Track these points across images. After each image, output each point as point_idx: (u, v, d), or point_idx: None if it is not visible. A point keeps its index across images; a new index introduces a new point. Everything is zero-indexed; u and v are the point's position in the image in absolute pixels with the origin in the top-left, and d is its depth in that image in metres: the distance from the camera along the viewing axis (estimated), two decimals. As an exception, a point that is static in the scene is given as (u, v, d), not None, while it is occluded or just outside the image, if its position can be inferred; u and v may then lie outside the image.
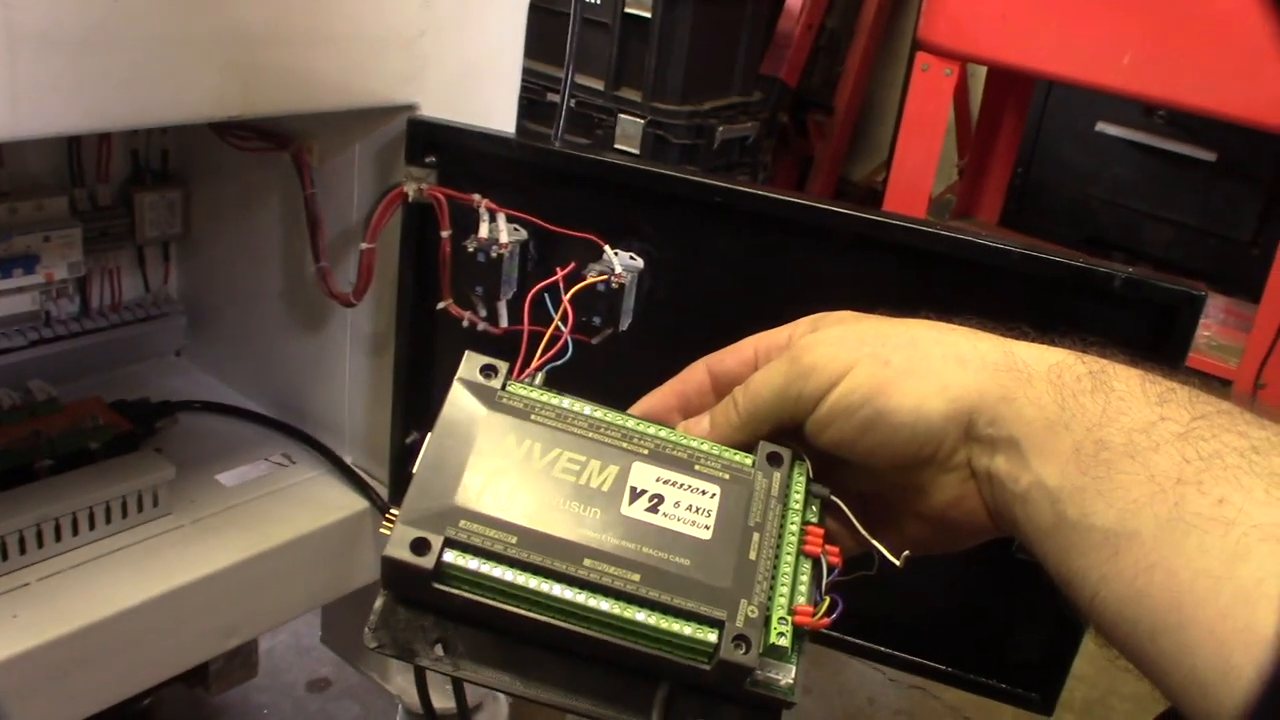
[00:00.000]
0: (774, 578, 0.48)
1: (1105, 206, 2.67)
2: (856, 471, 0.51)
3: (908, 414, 0.47)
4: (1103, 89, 2.11)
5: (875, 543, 0.51)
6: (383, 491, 0.93)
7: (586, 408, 0.51)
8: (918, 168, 2.29)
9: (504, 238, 0.76)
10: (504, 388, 0.51)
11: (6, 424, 0.88)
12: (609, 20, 2.48)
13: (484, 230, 0.76)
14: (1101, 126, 2.58)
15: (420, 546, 0.44)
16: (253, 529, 0.89)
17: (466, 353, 0.51)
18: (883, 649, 0.79)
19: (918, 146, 2.29)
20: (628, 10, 2.46)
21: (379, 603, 0.47)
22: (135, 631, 0.79)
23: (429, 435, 0.48)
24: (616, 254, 0.73)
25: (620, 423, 0.51)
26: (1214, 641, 0.37)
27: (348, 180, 0.90)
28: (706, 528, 0.48)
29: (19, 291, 0.96)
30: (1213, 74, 1.90)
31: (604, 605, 0.45)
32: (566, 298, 0.71)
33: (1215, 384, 0.46)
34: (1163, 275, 0.65)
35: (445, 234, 0.78)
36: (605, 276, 0.73)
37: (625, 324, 0.75)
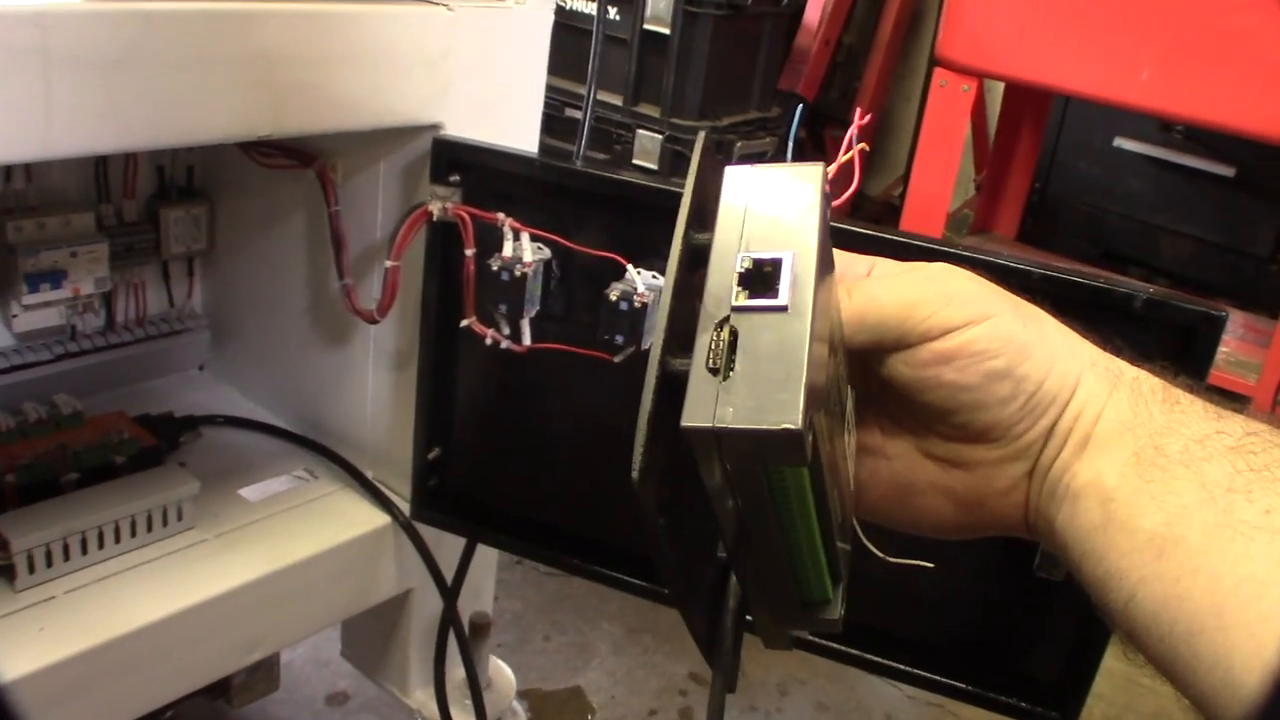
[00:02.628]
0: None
1: (1122, 221, 2.67)
2: (903, 434, 0.50)
3: (1034, 382, 0.46)
4: (1120, 105, 2.11)
5: (863, 538, 0.51)
6: (404, 507, 0.94)
7: None
8: (935, 183, 2.29)
9: (528, 256, 0.76)
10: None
11: (33, 438, 0.89)
12: (628, 36, 2.49)
13: (508, 249, 0.77)
14: (1119, 142, 2.58)
15: (810, 428, 0.35)
16: (275, 544, 0.89)
17: (819, 166, 0.42)
18: (901, 666, 0.79)
19: (935, 162, 2.30)
20: (646, 27, 2.47)
21: (651, 435, 0.36)
22: (160, 645, 0.80)
23: (790, 255, 0.38)
24: (639, 273, 0.74)
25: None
26: (1254, 644, 0.38)
27: (372, 198, 0.90)
28: (851, 478, 0.45)
29: (46, 306, 0.97)
30: (1230, 90, 1.90)
31: (816, 542, 0.41)
32: (862, 146, 0.61)
33: (1247, 408, 0.47)
34: (1183, 295, 0.65)
35: (469, 252, 0.78)
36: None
37: (648, 343, 0.75)
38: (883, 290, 0.47)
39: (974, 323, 0.46)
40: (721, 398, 0.36)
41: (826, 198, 0.41)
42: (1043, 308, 0.49)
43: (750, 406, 0.35)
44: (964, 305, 0.46)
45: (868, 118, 0.60)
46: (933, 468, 0.50)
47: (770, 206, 0.41)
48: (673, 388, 0.37)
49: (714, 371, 0.36)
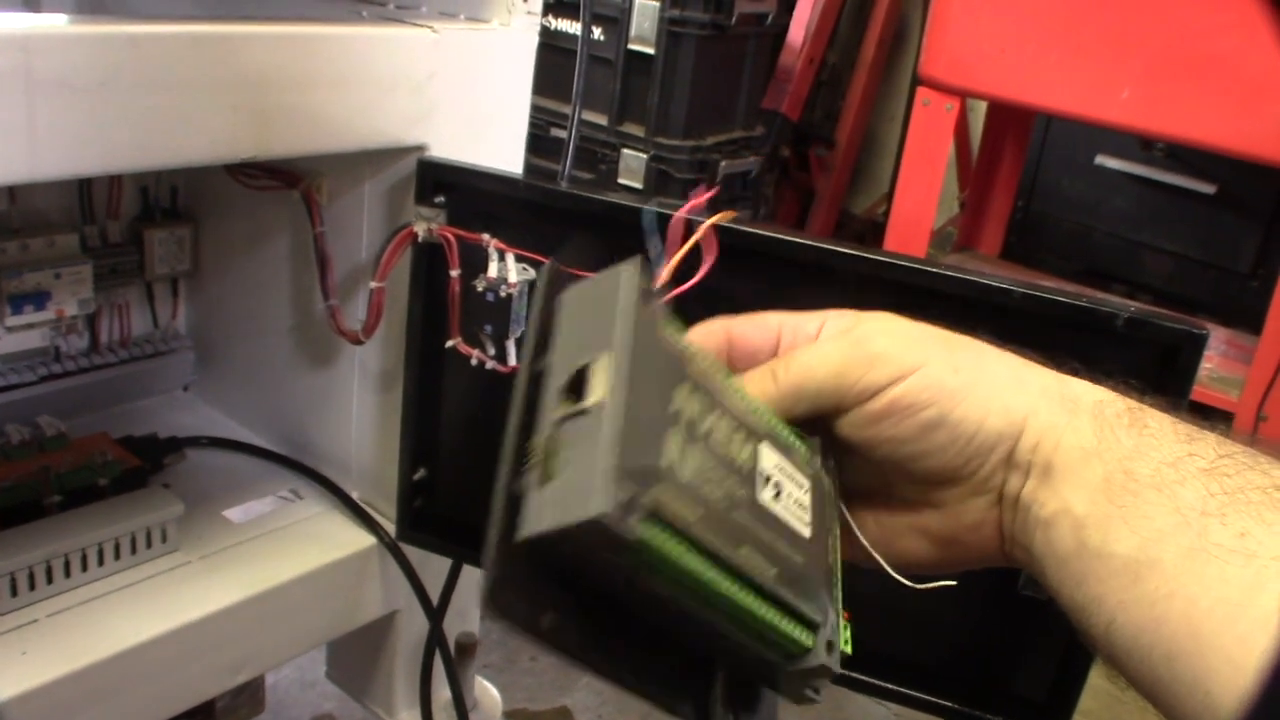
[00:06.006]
0: (839, 583, 0.47)
1: (1105, 239, 2.68)
2: (871, 480, 0.51)
3: (971, 426, 0.47)
4: (1102, 123, 2.12)
5: (881, 561, 0.51)
6: (390, 528, 0.94)
7: (714, 362, 0.46)
8: (919, 201, 2.30)
9: (513, 277, 0.76)
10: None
11: (15, 459, 0.89)
12: (612, 56, 2.50)
13: (493, 270, 0.77)
14: (1101, 160, 2.59)
15: (629, 510, 0.36)
16: (260, 565, 0.89)
17: (633, 263, 0.43)
18: (887, 684, 0.79)
19: (919, 180, 2.31)
20: (631, 47, 2.48)
21: (498, 556, 0.39)
22: (143, 668, 0.80)
23: (608, 356, 0.40)
24: (624, 293, 0.74)
25: (739, 389, 0.46)
26: (1231, 668, 0.38)
27: (357, 219, 0.90)
28: (806, 525, 0.46)
29: (29, 328, 0.97)
30: (1211, 108, 1.91)
31: (747, 600, 0.41)
32: (710, 222, 0.63)
33: (1224, 426, 0.47)
34: (1165, 313, 0.66)
35: (455, 273, 0.79)
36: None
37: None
38: (814, 359, 0.49)
39: (901, 378, 0.47)
40: (544, 505, 0.38)
41: (645, 290, 0.43)
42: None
43: (563, 506, 0.36)
44: (889, 363, 0.47)
45: (715, 190, 0.60)
46: (906, 511, 0.51)
47: (589, 315, 0.43)
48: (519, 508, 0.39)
49: (539, 483, 0.38)
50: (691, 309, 0.76)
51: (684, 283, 0.56)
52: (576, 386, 0.40)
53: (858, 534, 0.52)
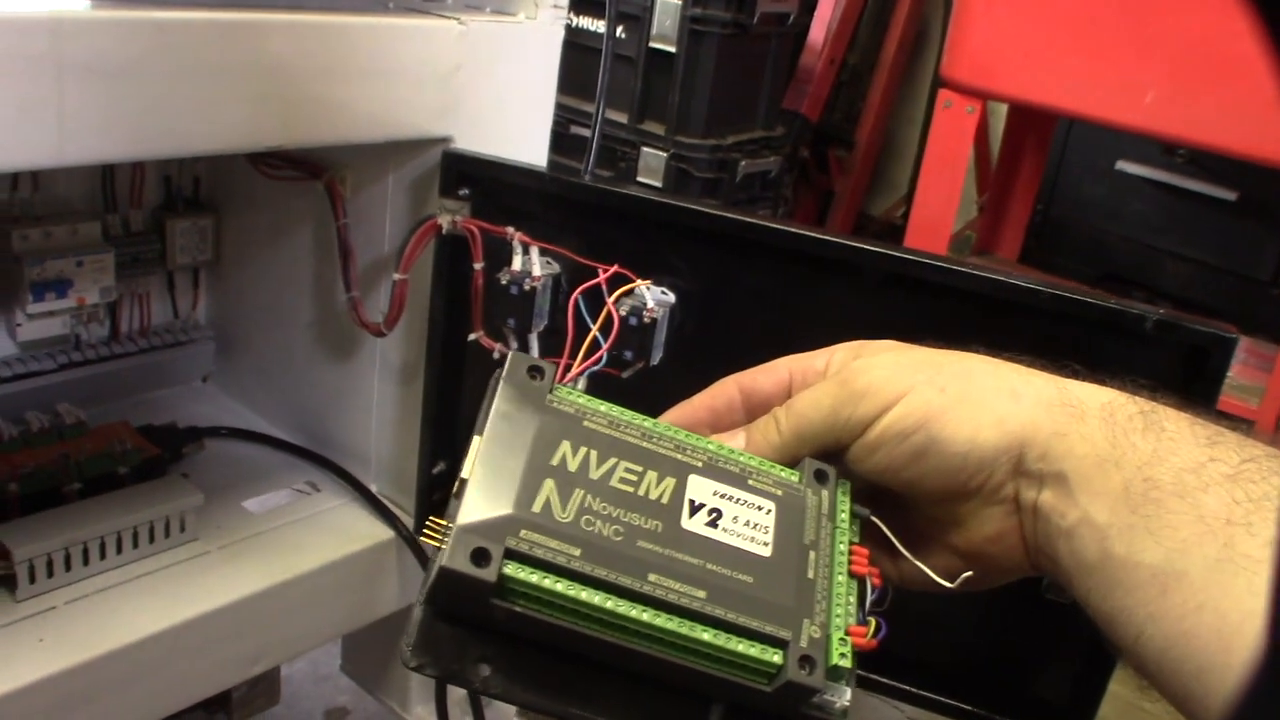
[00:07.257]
0: (830, 598, 0.47)
1: (1125, 244, 2.66)
2: (891, 502, 0.51)
3: (962, 443, 0.47)
4: (1124, 128, 2.10)
5: (922, 566, 0.51)
6: (408, 521, 0.94)
7: (636, 416, 0.50)
8: (939, 204, 2.29)
9: (537, 271, 0.76)
10: (552, 391, 0.48)
11: (36, 447, 0.89)
12: (633, 54, 2.50)
13: (517, 263, 0.76)
14: (1122, 165, 2.57)
15: (481, 557, 0.41)
16: (278, 557, 0.89)
17: (511, 353, 0.49)
18: (903, 686, 0.78)
19: (939, 183, 2.29)
20: (652, 45, 2.48)
21: (418, 616, 0.44)
22: (160, 657, 0.80)
23: (478, 439, 0.46)
24: (649, 289, 0.74)
25: (670, 433, 0.49)
26: None
27: (380, 211, 0.90)
28: (765, 544, 0.47)
29: (50, 315, 0.97)
30: (1234, 114, 1.89)
31: (670, 624, 0.43)
32: (610, 301, 0.71)
33: (1244, 426, 0.46)
34: (1194, 317, 0.65)
35: (478, 266, 0.78)
36: (643, 282, 0.74)
37: (657, 358, 0.75)
38: (807, 405, 0.51)
39: (887, 409, 0.48)
40: (431, 570, 0.44)
41: (534, 367, 0.49)
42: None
43: (435, 568, 0.43)
44: (876, 395, 0.48)
45: (613, 268, 0.71)
46: (932, 530, 0.51)
47: (483, 402, 0.49)
48: None
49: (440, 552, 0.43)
50: (717, 312, 0.76)
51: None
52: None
53: (896, 543, 0.51)
